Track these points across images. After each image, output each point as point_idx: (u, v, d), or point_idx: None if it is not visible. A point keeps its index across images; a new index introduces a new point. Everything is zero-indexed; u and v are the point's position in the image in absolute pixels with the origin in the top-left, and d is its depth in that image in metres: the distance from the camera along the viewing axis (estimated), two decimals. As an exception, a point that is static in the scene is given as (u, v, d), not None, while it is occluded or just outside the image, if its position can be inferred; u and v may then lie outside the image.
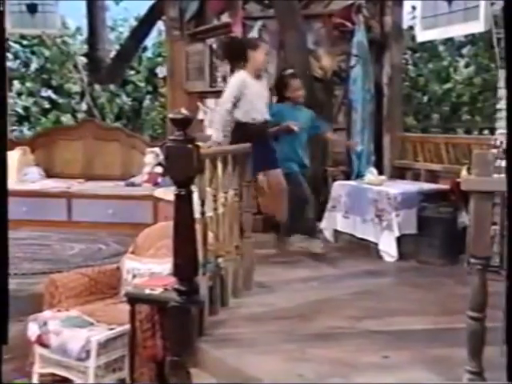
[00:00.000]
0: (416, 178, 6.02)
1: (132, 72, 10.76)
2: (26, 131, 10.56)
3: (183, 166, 3.16)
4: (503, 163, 4.14)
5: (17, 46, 10.55)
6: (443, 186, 5.36)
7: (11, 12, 7.63)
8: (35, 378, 3.65)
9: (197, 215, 3.34)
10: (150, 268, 3.85)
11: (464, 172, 4.75)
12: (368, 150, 6.18)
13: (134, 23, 10.13)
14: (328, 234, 5.66)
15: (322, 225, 5.66)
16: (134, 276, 3.89)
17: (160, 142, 7.78)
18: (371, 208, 5.28)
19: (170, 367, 3.21)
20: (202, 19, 7.37)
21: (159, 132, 10.37)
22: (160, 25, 9.25)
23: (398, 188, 5.33)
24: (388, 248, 5.10)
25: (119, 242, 6.33)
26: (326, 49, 6.39)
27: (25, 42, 10.65)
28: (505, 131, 4.09)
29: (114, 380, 3.54)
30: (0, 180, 2.03)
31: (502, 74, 4.70)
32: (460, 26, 5.57)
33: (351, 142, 6.20)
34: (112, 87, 10.75)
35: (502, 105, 4.63)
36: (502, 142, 4.49)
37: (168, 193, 4.91)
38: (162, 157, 7.30)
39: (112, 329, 3.53)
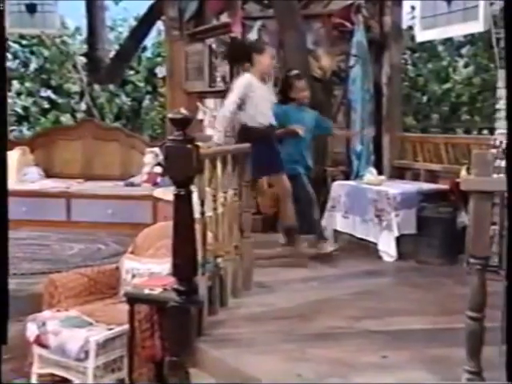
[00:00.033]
0: (415, 178, 6.02)
1: (131, 72, 10.75)
2: (26, 131, 10.56)
3: (182, 166, 3.16)
4: (503, 163, 4.15)
5: (16, 46, 10.55)
6: (443, 186, 5.37)
7: (10, 12, 7.62)
8: (34, 379, 3.65)
9: (196, 215, 3.33)
10: (149, 268, 3.85)
11: (463, 172, 4.75)
12: (367, 150, 6.18)
13: (134, 23, 10.13)
14: (327, 234, 5.65)
15: (322, 225, 5.66)
16: (134, 276, 3.88)
17: (159, 141, 7.78)
18: (371, 208, 5.28)
19: (168, 367, 3.21)
20: (201, 19, 7.38)
21: (158, 132, 10.37)
22: (159, 25, 9.25)
23: (397, 188, 5.33)
24: (387, 248, 5.10)
25: (118, 242, 6.33)
26: (326, 49, 6.38)
27: (24, 42, 10.65)
28: (504, 131, 4.10)
29: (113, 380, 3.54)
30: (0, 180, 2.03)
31: (501, 74, 4.70)
32: (459, 26, 5.57)
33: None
34: (111, 87, 10.75)
35: (501, 105, 4.63)
36: (501, 142, 4.49)
37: (167, 193, 4.90)
38: (161, 157, 7.31)
39: (111, 329, 3.53)
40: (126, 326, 3.46)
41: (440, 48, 10.33)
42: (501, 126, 4.57)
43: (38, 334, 3.57)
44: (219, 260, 3.78)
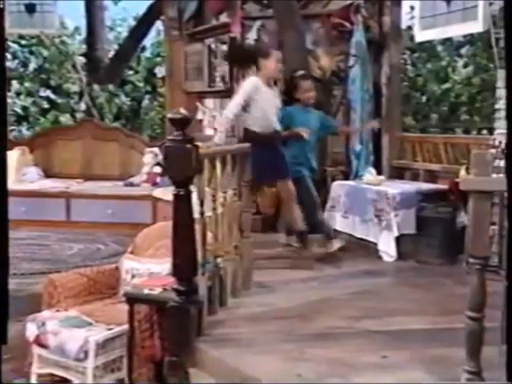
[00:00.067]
0: (415, 177, 6.02)
1: (131, 72, 10.75)
2: (25, 131, 10.57)
3: (182, 166, 3.16)
4: (502, 163, 4.16)
5: (15, 46, 10.55)
6: (442, 185, 5.37)
7: (10, 12, 7.62)
8: (33, 379, 3.65)
9: (196, 215, 3.33)
10: (148, 268, 3.85)
11: (463, 172, 4.75)
12: (367, 150, 6.17)
13: (133, 23, 10.13)
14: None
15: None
16: (133, 276, 3.88)
17: (159, 141, 7.77)
18: (370, 208, 5.28)
19: (168, 367, 3.20)
20: (200, 19, 7.38)
21: (158, 132, 10.37)
22: (159, 25, 9.24)
23: (396, 188, 5.33)
24: (387, 248, 5.10)
25: (118, 242, 6.33)
26: (325, 49, 6.38)
27: (23, 42, 10.65)
28: (503, 131, 4.10)
29: (113, 380, 3.53)
30: (0, 180, 2.03)
31: (500, 74, 4.70)
32: (458, 26, 5.57)
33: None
34: (111, 87, 10.74)
35: (500, 105, 4.63)
36: (500, 142, 4.50)
37: (167, 193, 4.90)
38: (160, 157, 7.30)
39: (110, 329, 3.53)
40: (126, 326, 3.46)
41: (439, 48, 10.33)
42: (500, 126, 4.57)
43: (37, 333, 3.57)
44: (219, 260, 3.77)
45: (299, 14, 6.25)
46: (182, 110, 3.25)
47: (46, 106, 10.82)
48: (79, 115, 10.73)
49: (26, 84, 10.67)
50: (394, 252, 5.07)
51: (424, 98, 10.36)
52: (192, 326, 3.26)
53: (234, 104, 4.89)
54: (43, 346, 3.56)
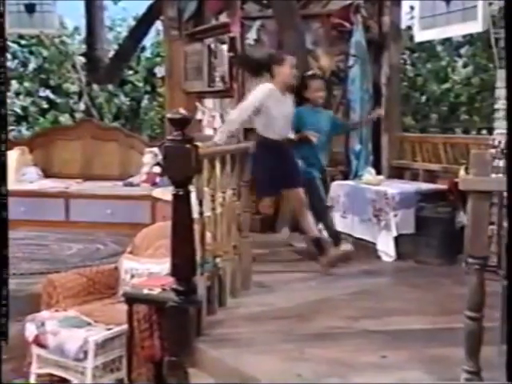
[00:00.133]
0: (414, 177, 6.02)
1: (130, 72, 10.75)
2: (24, 131, 10.57)
3: (181, 166, 3.17)
4: (501, 163, 4.16)
5: (15, 46, 10.54)
6: (441, 185, 5.37)
7: (9, 12, 7.60)
8: (33, 379, 3.65)
9: (195, 215, 3.34)
10: (148, 268, 3.85)
11: (462, 172, 4.74)
12: (366, 150, 6.17)
13: (133, 23, 10.12)
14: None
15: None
16: (132, 276, 3.88)
17: (158, 141, 7.77)
18: (369, 208, 5.28)
19: (167, 367, 3.21)
20: (200, 19, 7.38)
21: (157, 132, 10.36)
22: (158, 25, 9.23)
23: (396, 188, 5.33)
24: (386, 248, 5.11)
25: (117, 241, 6.33)
26: (325, 49, 6.38)
27: (23, 42, 10.65)
28: (503, 131, 4.10)
29: (112, 380, 3.54)
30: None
31: (500, 74, 4.69)
32: (458, 26, 5.57)
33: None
34: (110, 87, 10.74)
35: (500, 105, 4.62)
36: (500, 142, 4.49)
37: (166, 193, 4.89)
38: (160, 157, 7.30)
39: (110, 329, 3.53)
40: (125, 326, 3.46)
41: (439, 48, 10.33)
42: (499, 126, 4.57)
43: (36, 334, 3.57)
44: (218, 260, 3.77)
45: (299, 13, 6.25)
46: (182, 110, 3.25)
47: (45, 105, 10.81)
48: (79, 115, 10.73)
49: (26, 84, 10.67)
50: (393, 252, 5.07)
51: (423, 98, 10.35)
52: (191, 325, 3.26)
53: (243, 108, 4.74)
54: (42, 346, 3.57)
